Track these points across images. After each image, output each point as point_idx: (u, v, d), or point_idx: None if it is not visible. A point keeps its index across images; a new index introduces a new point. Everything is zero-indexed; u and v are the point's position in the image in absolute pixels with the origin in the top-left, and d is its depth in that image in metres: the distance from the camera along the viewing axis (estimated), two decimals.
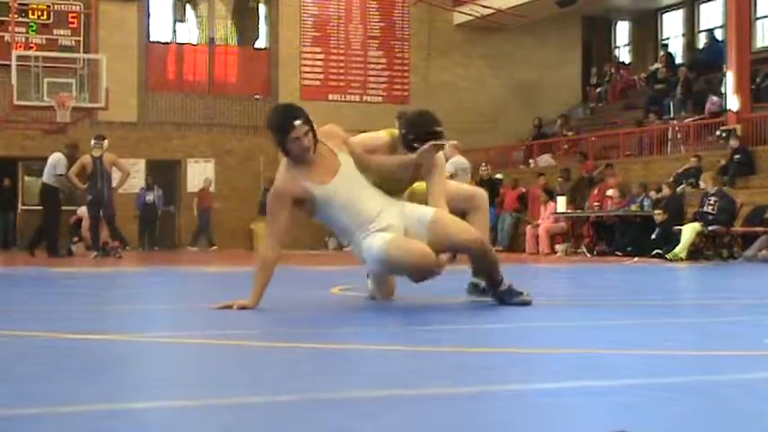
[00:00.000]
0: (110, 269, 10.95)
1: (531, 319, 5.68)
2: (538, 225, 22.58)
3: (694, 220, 17.25)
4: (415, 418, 2.55)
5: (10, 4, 23.94)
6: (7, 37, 24.39)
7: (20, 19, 25.02)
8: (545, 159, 27.18)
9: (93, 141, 17.23)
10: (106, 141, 17.33)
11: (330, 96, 28.86)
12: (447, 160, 17.49)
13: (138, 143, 26.22)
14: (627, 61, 33.06)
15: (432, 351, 4.12)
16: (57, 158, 17.66)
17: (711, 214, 17.01)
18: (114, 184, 17.22)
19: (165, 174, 26.95)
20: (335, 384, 3.14)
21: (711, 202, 17.14)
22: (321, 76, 28.95)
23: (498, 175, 25.42)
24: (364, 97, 29.20)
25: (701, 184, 18.01)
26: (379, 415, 2.61)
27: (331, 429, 2.41)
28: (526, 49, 30.25)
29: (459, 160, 17.53)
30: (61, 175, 17.57)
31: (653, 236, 18.38)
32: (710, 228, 16.96)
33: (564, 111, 30.10)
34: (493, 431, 2.44)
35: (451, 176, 17.25)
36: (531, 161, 27.82)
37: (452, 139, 29.21)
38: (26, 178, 26.27)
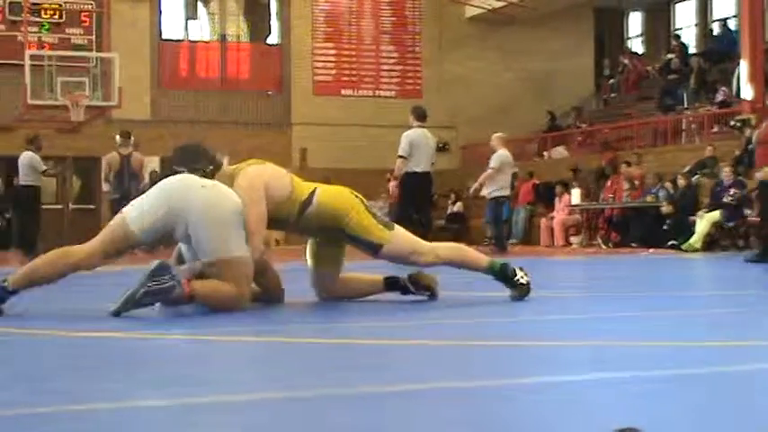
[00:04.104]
0: (127, 267, 10.96)
1: (545, 311, 5.69)
2: (552, 217, 22.55)
3: (709, 210, 17.19)
4: (433, 413, 2.56)
5: (22, 4, 23.98)
6: (20, 36, 24.43)
7: (32, 18, 25.06)
8: (558, 152, 27.12)
9: (119, 139, 17.18)
10: (132, 138, 17.30)
11: (343, 91, 28.85)
12: (493, 152, 17.51)
13: (151, 141, 26.18)
14: (640, 52, 32.94)
15: (447, 345, 4.13)
16: (31, 157, 17.51)
17: (732, 206, 16.89)
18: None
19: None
20: (350, 380, 3.14)
21: (731, 193, 17.03)
22: (333, 72, 28.94)
23: (513, 169, 25.34)
24: (377, 92, 29.18)
25: (722, 175, 17.88)
26: (396, 409, 2.62)
27: (346, 425, 2.42)
28: (538, 42, 30.16)
29: (504, 153, 17.53)
30: (43, 171, 17.54)
31: (664, 227, 18.33)
32: (730, 222, 16.89)
33: (577, 102, 30.03)
34: (510, 423, 2.45)
35: (496, 170, 17.28)
36: (544, 153, 27.77)
37: (466, 132, 29.19)
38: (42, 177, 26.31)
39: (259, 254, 5.63)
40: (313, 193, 5.93)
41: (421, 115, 14.84)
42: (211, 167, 5.76)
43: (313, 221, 5.90)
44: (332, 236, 5.97)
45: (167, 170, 5.73)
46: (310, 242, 6.18)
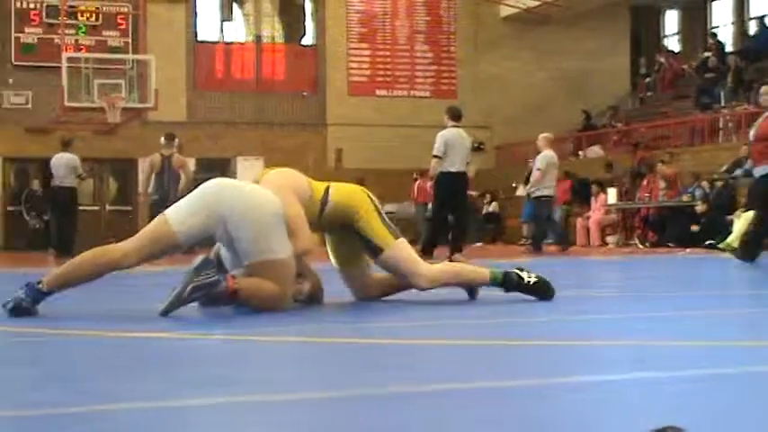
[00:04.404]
0: (167, 268, 11.02)
1: (581, 311, 5.67)
2: (588, 217, 22.47)
3: (747, 209, 17.06)
4: (469, 413, 2.56)
5: (60, 7, 24.18)
6: (57, 39, 24.64)
7: (69, 21, 25.26)
8: (594, 151, 27.01)
9: (163, 140, 17.27)
10: (177, 140, 17.39)
11: (377, 92, 28.89)
12: (538, 153, 17.48)
13: (187, 142, 26.26)
14: (676, 50, 32.76)
15: (484, 344, 4.12)
16: (72, 159, 17.67)
17: None
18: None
19: (215, 172, 27.10)
20: (386, 380, 3.15)
21: None
22: (368, 72, 28.97)
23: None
24: (412, 92, 29.19)
25: None
26: (437, 409, 2.62)
27: (382, 425, 2.42)
28: (574, 41, 30.06)
29: (550, 154, 17.51)
30: (80, 175, 17.71)
31: (697, 227, 18.21)
32: None
33: (613, 102, 29.91)
34: (547, 423, 2.44)
35: (541, 171, 17.26)
36: (579, 153, 27.67)
37: (501, 132, 29.15)
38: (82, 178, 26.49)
39: (308, 248, 5.64)
40: (327, 190, 5.97)
41: (456, 115, 14.84)
42: None
43: (330, 219, 5.94)
44: (347, 234, 5.99)
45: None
46: (329, 242, 6.21)
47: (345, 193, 6.01)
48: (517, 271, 6.05)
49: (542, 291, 5.99)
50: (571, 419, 2.49)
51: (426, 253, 13.79)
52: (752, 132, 11.76)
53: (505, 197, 27.08)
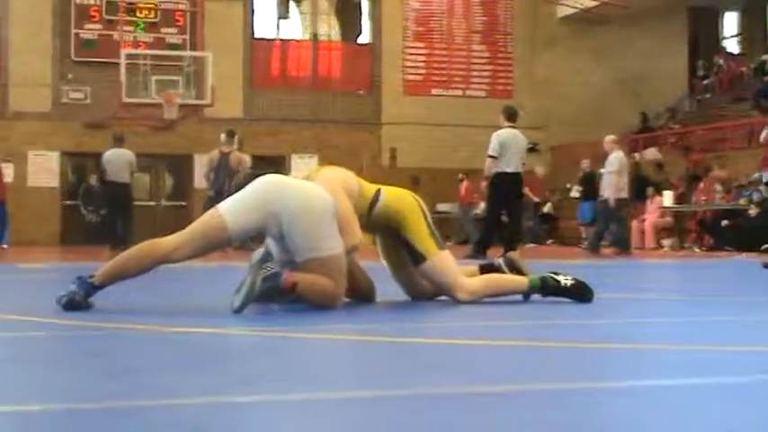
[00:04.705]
0: (225, 263, 11.10)
1: (636, 314, 5.64)
2: (644, 220, 22.32)
3: None
4: (525, 415, 2.55)
5: (119, 4, 24.41)
6: (116, 36, 24.87)
7: (128, 18, 25.48)
8: (651, 153, 26.82)
9: (223, 137, 17.40)
10: (237, 138, 17.53)
11: (433, 91, 28.86)
12: (607, 155, 17.40)
13: (243, 139, 26.49)
14: (735, 52, 32.44)
15: (540, 346, 4.11)
16: (130, 155, 17.83)
17: None
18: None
19: (270, 169, 27.19)
20: (441, 379, 3.15)
21: None
22: (424, 71, 28.95)
23: (602, 170, 25.15)
24: (467, 92, 29.14)
25: None
26: (489, 411, 2.62)
27: (437, 425, 2.42)
28: (631, 42, 29.85)
29: (621, 155, 17.46)
30: (133, 172, 17.90)
31: (749, 230, 18.05)
32: None
33: (670, 103, 29.68)
34: (604, 428, 2.43)
35: (616, 173, 17.18)
36: (636, 155, 27.48)
37: (557, 133, 28.99)
38: (135, 174, 26.71)
39: (356, 244, 5.66)
40: (378, 193, 5.97)
41: (511, 115, 14.82)
42: None
43: (379, 222, 5.94)
44: (394, 237, 5.99)
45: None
46: (380, 245, 6.22)
47: (395, 197, 6.01)
48: (553, 275, 6.01)
49: (580, 293, 5.96)
50: (620, 424, 2.48)
51: (480, 253, 13.77)
52: (763, 135, 11.70)
53: (561, 198, 26.98)
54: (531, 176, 26.18)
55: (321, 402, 2.74)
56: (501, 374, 3.30)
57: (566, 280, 5.96)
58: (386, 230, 6.01)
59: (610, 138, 17.88)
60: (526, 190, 25.93)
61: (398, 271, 6.18)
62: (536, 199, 26.02)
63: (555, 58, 29.60)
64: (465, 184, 26.59)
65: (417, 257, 5.90)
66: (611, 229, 18.23)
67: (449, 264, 5.93)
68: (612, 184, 17.18)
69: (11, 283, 9.21)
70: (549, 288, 5.96)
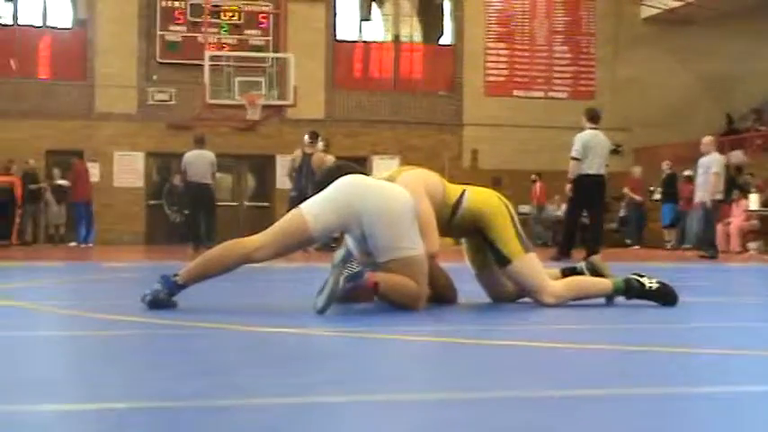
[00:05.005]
0: (306, 264, 11.17)
1: (720, 319, 5.56)
2: (729, 223, 22.01)
3: None
4: (609, 418, 2.53)
5: (203, 6, 24.66)
6: (200, 38, 25.13)
7: (212, 20, 25.73)
8: (737, 155, 26.43)
9: (306, 138, 17.52)
10: (320, 140, 17.63)
11: (514, 92, 28.73)
12: (703, 155, 17.18)
13: (329, 141, 26.61)
14: None
15: (623, 350, 4.07)
16: (212, 157, 17.97)
17: None
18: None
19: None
20: (522, 383, 3.13)
21: None
22: (506, 72, 28.83)
23: (687, 172, 24.89)
24: (549, 93, 28.96)
25: None
26: (571, 414, 2.60)
27: (517, 428, 2.41)
28: (717, 43, 29.43)
29: (721, 157, 17.27)
30: (214, 172, 18.04)
31: None
32: None
33: (757, 105, 29.21)
34: None
35: (719, 174, 17.01)
36: (722, 157, 27.10)
37: (640, 134, 28.67)
38: (217, 175, 27.00)
39: (434, 251, 5.66)
40: (462, 194, 5.96)
41: (594, 117, 14.72)
42: None
43: (463, 223, 5.93)
44: (480, 237, 5.97)
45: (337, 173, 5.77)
46: (466, 246, 6.21)
47: (480, 198, 5.99)
48: (637, 277, 5.94)
49: (664, 296, 5.89)
50: (706, 430, 2.45)
51: (564, 255, 13.70)
52: None
53: (643, 200, 26.72)
54: (628, 177, 25.98)
55: (404, 403, 2.75)
56: (585, 378, 3.28)
57: (650, 283, 5.90)
58: (472, 231, 6.00)
59: (708, 139, 17.65)
60: (626, 190, 25.78)
61: (483, 272, 6.17)
62: (638, 198, 25.78)
63: (638, 58, 29.28)
64: (538, 185, 26.46)
65: (502, 259, 5.88)
66: (696, 232, 17.99)
67: (534, 266, 5.89)
68: (713, 185, 16.94)
69: (97, 283, 9.34)
70: (633, 291, 5.90)
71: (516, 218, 6.01)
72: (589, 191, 14.36)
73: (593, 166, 14.26)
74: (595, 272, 6.13)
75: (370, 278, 5.18)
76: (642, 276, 5.95)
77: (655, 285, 5.89)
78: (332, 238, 6.01)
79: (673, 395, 2.92)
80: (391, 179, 5.84)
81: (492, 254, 5.93)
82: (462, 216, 5.91)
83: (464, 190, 6.00)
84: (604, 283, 5.98)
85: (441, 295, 5.91)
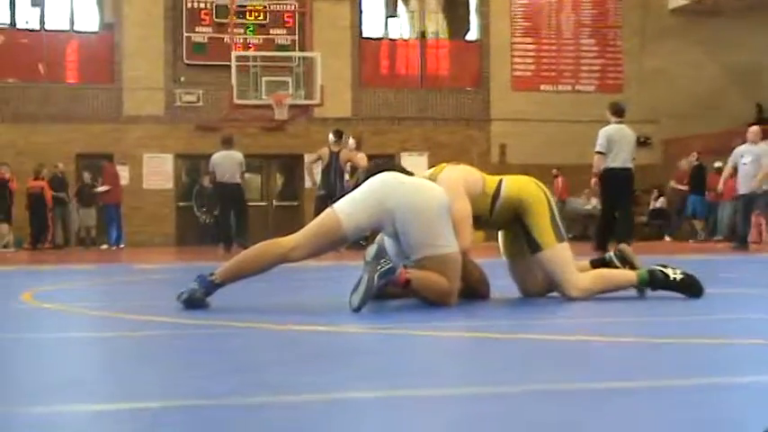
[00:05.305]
0: (338, 262, 11.19)
1: (753, 310, 5.53)
2: (759, 213, 21.86)
3: None
4: (642, 411, 2.52)
5: (229, 7, 24.72)
6: (226, 38, 25.19)
7: (238, 20, 25.80)
8: None
9: (331, 137, 17.56)
10: (347, 137, 17.66)
11: (542, 86, 28.66)
12: (750, 146, 17.03)
13: (360, 139, 26.62)
14: None
15: (650, 343, 4.06)
16: (240, 157, 18.00)
17: None
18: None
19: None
20: (554, 376, 3.12)
21: None
22: (533, 67, 28.76)
23: (717, 164, 24.77)
24: (576, 87, 28.87)
25: None
26: (604, 407, 2.59)
27: (548, 422, 2.40)
28: (746, 33, 29.24)
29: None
30: (243, 172, 18.08)
31: None
32: None
33: None
34: (722, 425, 2.39)
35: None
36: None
37: (669, 126, 28.52)
38: (245, 175, 27.08)
39: (466, 247, 5.65)
40: (500, 183, 5.95)
41: (619, 111, 14.72)
42: None
43: (503, 212, 5.93)
44: (518, 224, 5.96)
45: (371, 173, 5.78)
46: (501, 234, 6.20)
47: (517, 186, 5.99)
48: (661, 268, 5.92)
49: (689, 287, 5.86)
50: (741, 421, 2.43)
51: (600, 248, 13.69)
52: None
53: (673, 192, 26.60)
54: (677, 170, 25.76)
55: (436, 398, 2.74)
56: (615, 371, 3.27)
57: (674, 274, 5.87)
58: (512, 219, 5.98)
59: (755, 128, 17.49)
60: (673, 182, 25.62)
61: (515, 260, 6.16)
62: (682, 187, 25.52)
63: (665, 50, 29.15)
64: (560, 179, 26.39)
65: (534, 246, 5.88)
66: (729, 223, 17.88)
67: (564, 258, 5.87)
68: (766, 176, 16.76)
69: (128, 284, 9.39)
70: (657, 282, 5.88)
71: (555, 205, 6.00)
72: (616, 184, 14.33)
73: (618, 160, 14.24)
74: (625, 261, 6.11)
75: (401, 274, 5.19)
76: (666, 267, 5.92)
77: (679, 276, 5.86)
78: (363, 237, 6.00)
79: (703, 386, 2.90)
80: (433, 177, 5.86)
81: (526, 240, 5.92)
82: (502, 205, 5.91)
83: (501, 179, 6.01)
84: (629, 275, 5.96)
85: (474, 290, 5.90)
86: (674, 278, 5.86)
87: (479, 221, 5.99)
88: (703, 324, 4.84)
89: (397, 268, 5.16)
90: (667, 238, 25.03)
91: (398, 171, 5.81)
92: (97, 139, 25.74)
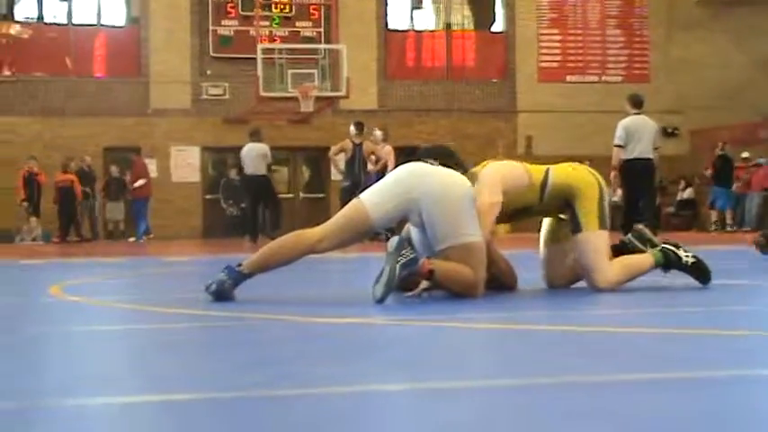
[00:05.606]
0: (362, 254, 11.19)
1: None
2: None
3: None
4: (665, 402, 2.52)
5: (255, 0, 24.76)
6: (252, 31, 25.24)
7: (264, 13, 25.83)
8: None
9: (352, 128, 17.59)
10: (373, 129, 17.70)
11: (568, 78, 28.57)
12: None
13: (387, 131, 26.60)
14: None
15: (680, 333, 4.05)
16: (266, 148, 18.03)
17: None
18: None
19: (406, 160, 27.23)
20: (586, 366, 3.13)
21: None
22: (559, 58, 28.67)
23: (744, 154, 24.65)
24: (603, 77, 28.76)
25: None
26: (629, 398, 2.59)
27: (585, 411, 2.41)
28: None
29: None
30: (270, 164, 18.09)
31: None
32: None
33: None
34: (753, 417, 2.38)
35: None
36: None
37: (695, 116, 28.38)
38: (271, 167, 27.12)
39: (486, 239, 5.65)
40: (547, 172, 5.96)
41: (637, 102, 14.78)
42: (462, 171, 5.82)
43: (553, 200, 5.94)
44: (566, 209, 5.96)
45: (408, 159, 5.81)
46: (547, 224, 6.21)
47: (565, 173, 5.99)
48: (674, 249, 5.94)
49: (700, 272, 5.90)
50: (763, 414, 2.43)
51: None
52: None
53: (700, 184, 26.47)
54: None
55: (462, 390, 2.75)
56: (639, 362, 3.26)
57: (686, 257, 5.90)
58: (562, 205, 5.97)
59: None
60: (707, 171, 25.42)
61: (551, 246, 6.17)
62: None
63: (692, 40, 28.97)
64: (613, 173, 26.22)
65: (576, 226, 5.88)
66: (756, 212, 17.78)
67: (600, 245, 5.86)
68: None
69: (157, 276, 9.44)
70: (671, 263, 5.91)
71: (606, 195, 6.00)
72: (636, 175, 14.35)
73: (636, 151, 14.29)
74: (644, 240, 6.09)
75: (424, 265, 5.20)
76: (679, 248, 5.94)
77: (691, 260, 5.91)
78: (390, 227, 6.00)
79: (735, 378, 2.90)
80: (475, 173, 5.86)
81: (571, 221, 5.91)
82: (551, 192, 5.91)
83: (548, 168, 6.01)
84: (648, 259, 5.96)
85: (500, 281, 5.91)
86: (687, 261, 5.88)
87: (530, 211, 6.05)
88: (731, 315, 4.82)
89: (420, 259, 5.18)
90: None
91: (454, 158, 5.82)
92: (124, 133, 25.85)
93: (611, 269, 5.86)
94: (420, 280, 5.33)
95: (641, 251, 6.01)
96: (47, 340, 4.18)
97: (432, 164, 5.65)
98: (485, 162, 6.15)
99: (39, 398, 2.68)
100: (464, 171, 5.75)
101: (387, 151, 17.83)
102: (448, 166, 5.64)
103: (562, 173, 5.98)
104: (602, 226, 5.87)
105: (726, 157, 24.15)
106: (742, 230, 22.52)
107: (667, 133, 27.89)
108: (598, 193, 5.91)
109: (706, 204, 25.43)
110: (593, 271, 5.84)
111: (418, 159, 5.74)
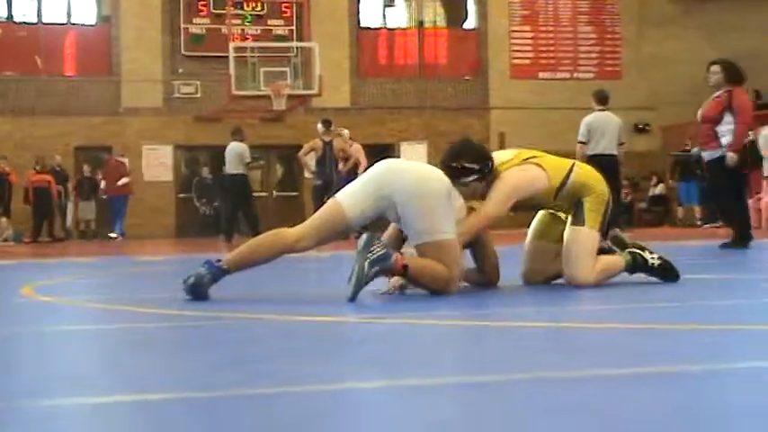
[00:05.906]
0: (336, 252, 11.18)
1: (759, 295, 5.54)
2: (759, 199, 21.87)
3: None
4: (643, 396, 2.52)
5: None
6: (224, 29, 25.17)
7: (236, 11, 25.77)
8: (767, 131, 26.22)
9: (320, 126, 17.56)
10: (344, 130, 17.67)
11: (540, 74, 28.63)
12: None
13: (351, 128, 26.41)
14: None
15: (656, 328, 4.06)
16: (242, 148, 17.93)
17: None
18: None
19: (379, 158, 27.25)
20: (563, 362, 3.12)
21: None
22: (531, 55, 28.74)
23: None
24: (575, 74, 28.84)
25: None
26: (607, 392, 2.59)
27: (561, 407, 2.40)
28: (744, 17, 29.15)
29: None
30: (248, 163, 17.97)
31: None
32: None
33: None
34: (730, 410, 2.38)
35: None
36: (750, 133, 26.88)
37: (667, 112, 28.50)
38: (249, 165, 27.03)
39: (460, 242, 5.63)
40: (572, 168, 5.97)
41: (602, 99, 15.03)
42: (488, 169, 5.82)
43: (567, 196, 5.95)
44: (572, 206, 5.95)
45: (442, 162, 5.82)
46: (540, 218, 6.23)
47: (587, 175, 6.01)
48: (639, 251, 6.00)
49: (666, 272, 5.96)
50: (750, 406, 2.43)
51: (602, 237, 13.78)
52: (699, 113, 11.74)
53: (672, 179, 26.58)
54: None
55: (438, 387, 2.74)
56: (619, 357, 3.26)
57: (652, 259, 5.96)
58: (572, 203, 5.97)
59: None
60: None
61: (537, 241, 6.17)
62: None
63: (664, 36, 29.10)
64: None
65: (579, 219, 5.88)
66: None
67: (590, 244, 5.87)
68: None
69: (130, 276, 9.39)
70: (638, 266, 5.97)
71: (610, 209, 6.01)
72: (600, 171, 14.40)
73: (599, 147, 14.44)
74: (622, 245, 6.14)
75: (398, 261, 5.20)
76: (644, 251, 6.01)
77: (657, 262, 5.97)
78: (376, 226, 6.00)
79: (711, 372, 2.90)
80: (498, 170, 5.86)
81: (575, 213, 5.91)
82: (568, 190, 5.91)
83: (573, 164, 6.04)
84: (619, 261, 6.01)
85: (485, 277, 5.92)
86: (653, 263, 5.93)
87: (538, 207, 6.13)
88: (706, 309, 4.83)
89: (392, 255, 5.17)
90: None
91: (481, 155, 5.88)
92: (96, 132, 25.73)
93: (593, 269, 5.87)
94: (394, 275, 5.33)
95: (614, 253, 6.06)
96: (18, 341, 4.14)
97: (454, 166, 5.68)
98: (514, 153, 6.13)
99: (11, 398, 2.65)
100: (487, 168, 5.75)
101: (356, 149, 17.84)
102: (470, 168, 5.66)
103: (588, 173, 6.03)
104: (598, 228, 5.89)
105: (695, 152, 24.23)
106: (714, 226, 22.60)
107: (639, 129, 28.03)
108: (605, 205, 5.94)
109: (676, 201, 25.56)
110: (578, 266, 5.84)
111: (444, 166, 5.74)
